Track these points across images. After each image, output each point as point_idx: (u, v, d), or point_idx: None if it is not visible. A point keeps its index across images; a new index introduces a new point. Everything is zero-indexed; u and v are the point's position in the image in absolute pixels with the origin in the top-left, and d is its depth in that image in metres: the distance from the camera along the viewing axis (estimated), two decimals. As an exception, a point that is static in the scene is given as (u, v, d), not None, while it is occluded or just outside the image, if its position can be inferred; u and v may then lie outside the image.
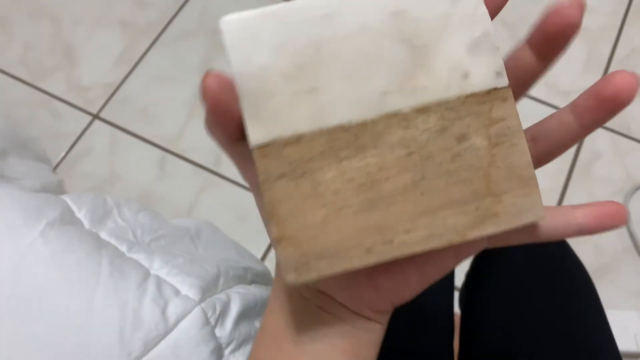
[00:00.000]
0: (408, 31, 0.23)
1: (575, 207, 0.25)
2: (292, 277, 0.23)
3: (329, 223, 0.23)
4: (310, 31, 0.23)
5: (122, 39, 1.19)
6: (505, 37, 1.14)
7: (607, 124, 1.06)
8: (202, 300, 0.45)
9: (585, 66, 1.12)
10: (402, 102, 0.23)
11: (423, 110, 0.23)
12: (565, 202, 1.02)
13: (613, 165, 1.04)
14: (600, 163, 1.05)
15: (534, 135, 0.25)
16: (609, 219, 0.24)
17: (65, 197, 0.49)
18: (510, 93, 0.23)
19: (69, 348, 0.40)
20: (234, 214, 1.00)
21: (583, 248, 0.99)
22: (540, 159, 0.25)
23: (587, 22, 1.30)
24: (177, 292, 0.45)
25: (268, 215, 0.23)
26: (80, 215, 0.48)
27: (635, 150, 1.05)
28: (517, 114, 0.23)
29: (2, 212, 0.42)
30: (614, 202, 0.24)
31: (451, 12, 0.23)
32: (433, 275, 0.26)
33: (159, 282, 0.44)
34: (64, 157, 1.07)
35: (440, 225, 0.23)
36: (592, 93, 0.23)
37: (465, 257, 0.26)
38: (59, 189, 0.95)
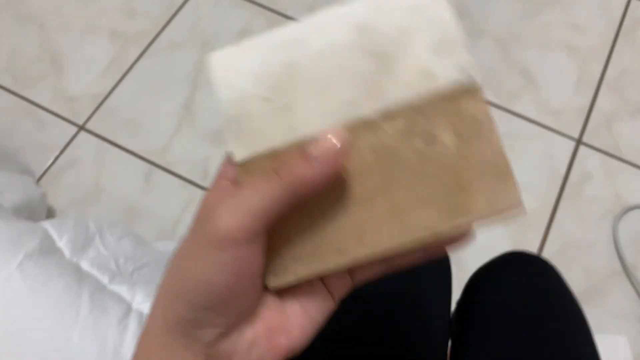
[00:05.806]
0: (373, 42, 0.24)
1: None
2: (271, 281, 0.24)
3: (305, 228, 0.24)
4: (283, 55, 0.25)
5: (111, 48, 1.17)
6: (497, 54, 1.13)
7: (598, 145, 1.06)
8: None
9: (577, 85, 1.11)
10: (368, 109, 0.24)
11: (389, 114, 0.24)
12: (555, 223, 1.01)
13: (603, 187, 1.04)
14: (590, 184, 1.04)
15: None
16: None
17: (47, 224, 0.48)
18: (477, 86, 0.24)
19: (45, 388, 0.38)
20: (221, 230, 0.98)
21: (572, 270, 0.99)
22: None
23: (578, 41, 1.30)
24: (159, 328, 0.43)
25: None
26: (61, 243, 0.46)
27: (626, 171, 1.05)
28: (486, 106, 0.24)
29: (-23, 246, 0.40)
30: None
31: (413, 21, 0.24)
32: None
33: (141, 318, 0.43)
34: (48, 168, 1.05)
35: (411, 223, 0.24)
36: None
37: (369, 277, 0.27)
38: (42, 202, 0.92)
